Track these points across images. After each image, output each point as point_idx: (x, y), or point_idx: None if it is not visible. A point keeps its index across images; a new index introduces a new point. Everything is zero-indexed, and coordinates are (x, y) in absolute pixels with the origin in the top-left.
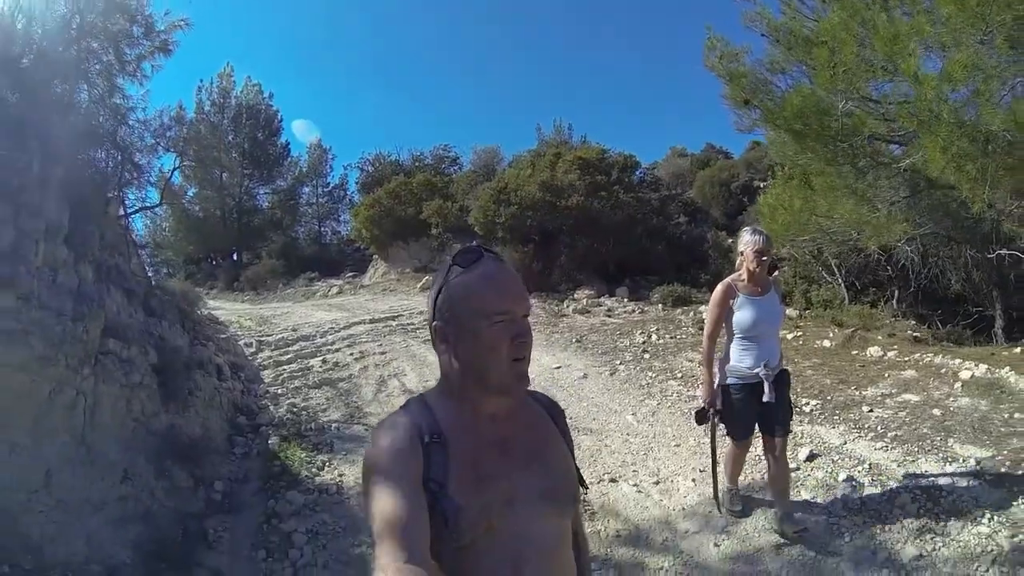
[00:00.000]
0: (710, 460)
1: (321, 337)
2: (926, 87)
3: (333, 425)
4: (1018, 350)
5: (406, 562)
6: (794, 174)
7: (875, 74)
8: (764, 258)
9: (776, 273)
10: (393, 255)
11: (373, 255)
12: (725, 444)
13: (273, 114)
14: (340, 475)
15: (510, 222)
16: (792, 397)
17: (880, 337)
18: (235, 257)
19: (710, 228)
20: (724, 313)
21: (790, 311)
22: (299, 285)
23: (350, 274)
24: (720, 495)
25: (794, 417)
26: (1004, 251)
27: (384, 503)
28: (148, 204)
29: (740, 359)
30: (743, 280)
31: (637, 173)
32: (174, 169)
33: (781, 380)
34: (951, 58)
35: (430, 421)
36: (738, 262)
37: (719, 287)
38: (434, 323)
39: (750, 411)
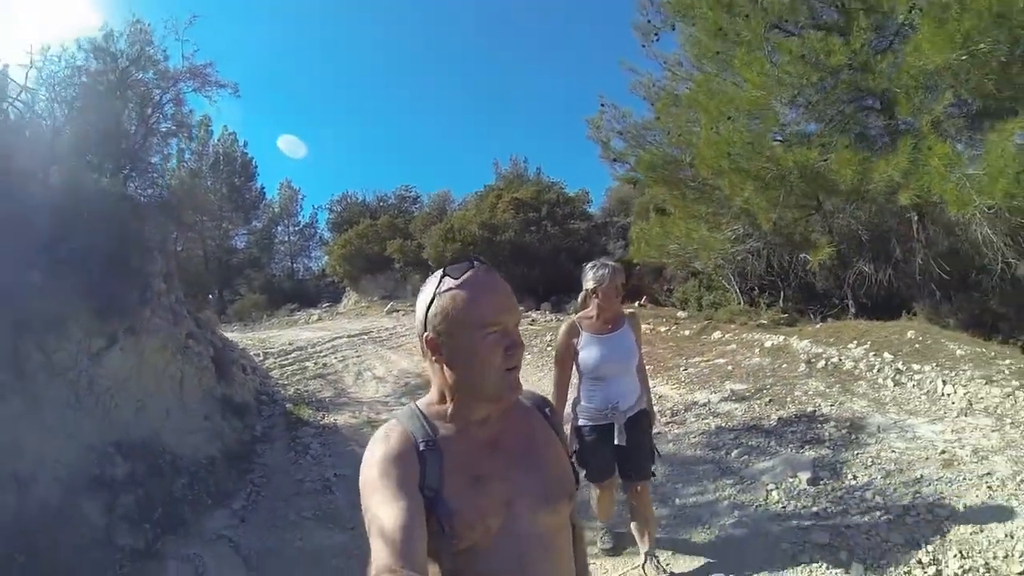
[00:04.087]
0: None
1: (311, 348)
2: (707, 149)
3: (327, 399)
4: (818, 325)
5: (402, 568)
6: (660, 208)
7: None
8: (608, 292)
9: (632, 307)
10: (363, 286)
11: (345, 287)
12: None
13: (248, 161)
14: (334, 420)
15: (455, 256)
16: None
17: (733, 326)
18: (214, 295)
19: None
20: (568, 353)
21: (681, 313)
22: (282, 315)
23: (326, 304)
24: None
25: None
26: (804, 256)
27: (381, 511)
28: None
29: (589, 400)
30: (590, 318)
31: (567, 207)
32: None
33: (638, 423)
34: (727, 126)
35: (422, 428)
36: (581, 298)
37: (562, 326)
38: (425, 335)
39: (604, 453)
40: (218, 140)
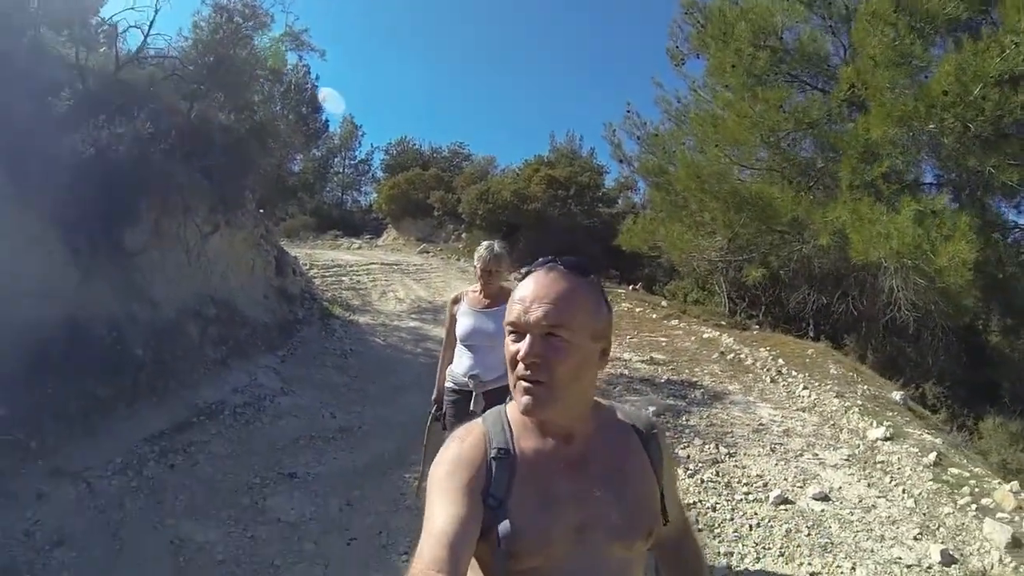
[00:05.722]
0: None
1: (349, 268)
2: (683, 169)
3: (355, 305)
4: (755, 331)
5: (439, 571)
6: (655, 208)
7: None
8: (486, 270)
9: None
10: (403, 226)
11: (387, 224)
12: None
13: (316, 94)
14: (358, 319)
15: (487, 215)
16: None
17: (694, 318)
18: (267, 211)
19: None
20: (451, 321)
21: (664, 303)
22: (327, 239)
23: (368, 236)
24: (420, 485)
25: None
26: (763, 270)
27: (436, 512)
28: None
29: (456, 365)
30: (475, 291)
31: (596, 191)
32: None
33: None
34: (711, 151)
35: (502, 433)
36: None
37: (451, 296)
38: None
39: (460, 416)
40: (291, 69)
